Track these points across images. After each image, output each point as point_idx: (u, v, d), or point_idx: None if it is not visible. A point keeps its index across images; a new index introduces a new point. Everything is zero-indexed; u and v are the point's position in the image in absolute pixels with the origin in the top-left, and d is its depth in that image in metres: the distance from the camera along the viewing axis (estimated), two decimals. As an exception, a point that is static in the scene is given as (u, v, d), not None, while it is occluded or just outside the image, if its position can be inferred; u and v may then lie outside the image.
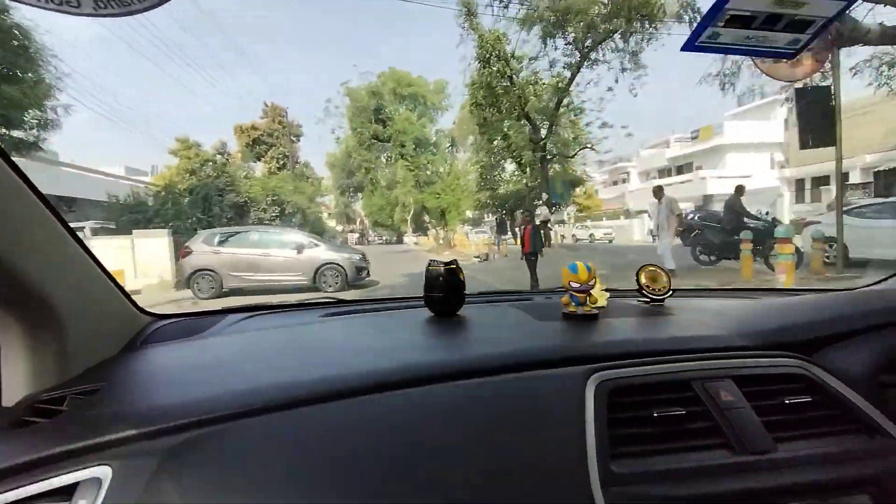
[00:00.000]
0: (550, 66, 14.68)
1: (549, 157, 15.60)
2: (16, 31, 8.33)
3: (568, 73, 14.57)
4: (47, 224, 0.64)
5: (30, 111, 9.05)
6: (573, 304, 0.79)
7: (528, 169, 16.44)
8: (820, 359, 0.62)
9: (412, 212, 26.72)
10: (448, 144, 25.22)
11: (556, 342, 0.68)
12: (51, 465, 0.46)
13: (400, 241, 40.26)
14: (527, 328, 0.79)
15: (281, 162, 25.14)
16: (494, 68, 14.36)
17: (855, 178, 16.30)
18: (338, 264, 8.17)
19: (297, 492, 0.44)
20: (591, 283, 0.78)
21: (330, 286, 8.02)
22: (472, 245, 17.76)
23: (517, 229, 20.68)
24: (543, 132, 15.45)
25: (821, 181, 17.95)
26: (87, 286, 0.73)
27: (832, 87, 6.29)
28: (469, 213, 28.88)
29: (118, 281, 0.83)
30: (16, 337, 0.61)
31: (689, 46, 0.70)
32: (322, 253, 8.43)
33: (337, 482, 0.45)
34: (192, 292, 7.66)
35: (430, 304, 0.91)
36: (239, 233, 8.64)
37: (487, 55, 13.99)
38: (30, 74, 8.82)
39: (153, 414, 0.52)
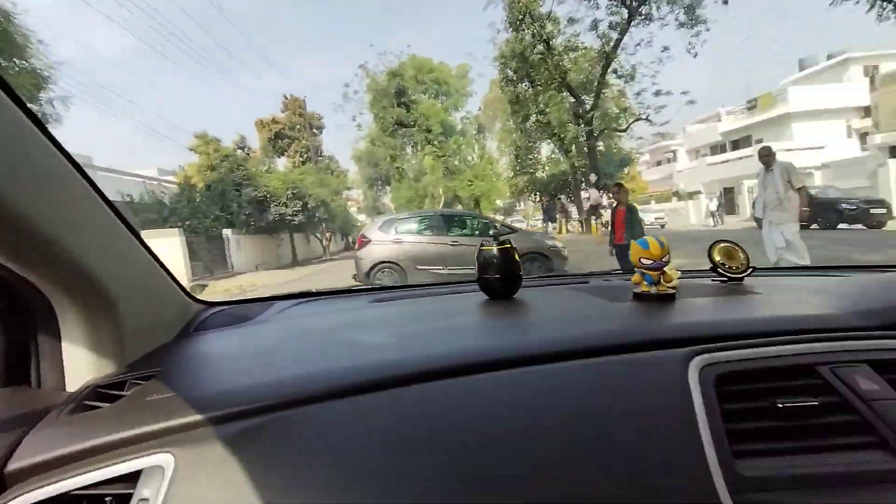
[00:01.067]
0: (593, 27, 12.79)
1: (595, 132, 13.72)
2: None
3: (614, 35, 12.65)
4: (105, 217, 0.65)
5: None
6: (646, 283, 0.72)
7: (572, 147, 14.59)
8: None
9: (443, 202, 25.35)
10: (475, 130, 23.51)
11: (639, 322, 0.61)
12: (113, 450, 0.45)
13: (430, 234, 39.21)
14: (600, 309, 0.72)
15: (305, 156, 24.28)
16: (527, 33, 12.62)
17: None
18: (539, 252, 6.83)
19: (363, 479, 0.42)
20: (665, 259, 0.71)
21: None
22: (509, 235, 16.17)
23: (557, 215, 19.30)
24: (588, 104, 13.58)
25: (921, 146, 15.13)
26: (142, 275, 0.74)
27: None
28: (499, 202, 27.24)
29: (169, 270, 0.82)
30: (77, 324, 0.62)
31: None
32: (517, 241, 7.14)
33: (406, 469, 0.42)
34: None
35: (485, 287, 0.86)
36: (421, 218, 7.31)
37: (520, 17, 12.24)
38: (15, 61, 7.95)
39: (214, 400, 0.50)
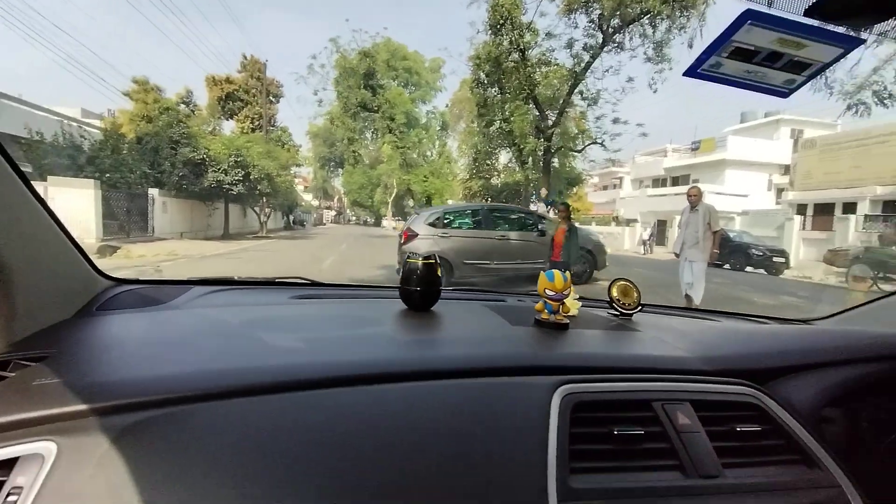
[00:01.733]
0: (569, 46, 13.06)
1: (553, 148, 14.04)
2: None
3: (587, 57, 13.00)
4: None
5: None
6: (546, 311, 0.79)
7: (529, 159, 14.84)
8: (772, 389, 0.64)
9: (394, 194, 24.90)
10: (439, 126, 23.29)
11: (527, 350, 0.68)
12: None
13: (378, 224, 38.51)
14: (500, 332, 0.78)
15: (256, 123, 22.73)
16: (506, 39, 12.65)
17: (863, 209, 15.44)
18: (585, 248, 6.68)
19: (252, 482, 0.42)
20: (566, 292, 0.78)
21: (574, 275, 6.35)
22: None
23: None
24: (550, 120, 13.86)
25: (825, 208, 17.12)
26: (38, 240, 0.67)
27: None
28: (451, 202, 27.33)
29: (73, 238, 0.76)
30: None
31: (690, 72, 0.71)
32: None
33: (295, 475, 0.44)
34: None
35: (405, 298, 0.89)
36: (468, 212, 7.25)
37: (501, 21, 12.23)
38: None
39: (106, 388, 0.49)
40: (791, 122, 25.07)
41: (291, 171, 21.33)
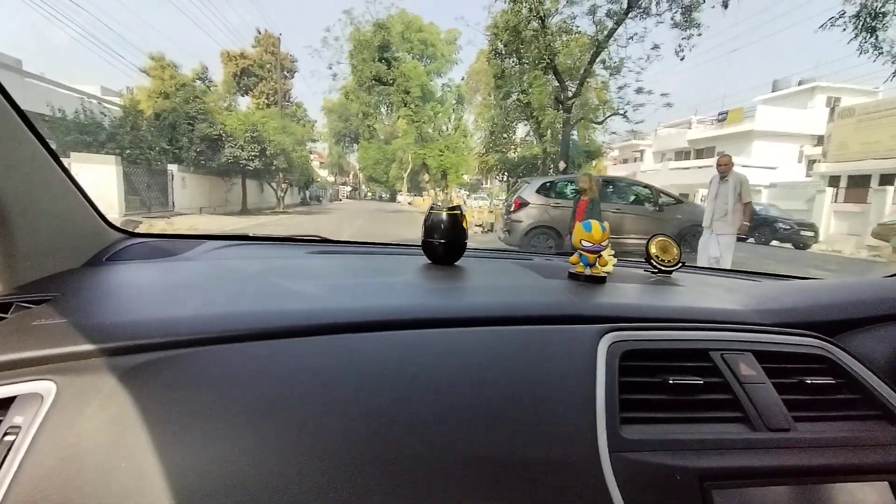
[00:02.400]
0: (591, 13, 12.44)
1: (573, 120, 13.59)
2: None
3: (610, 24, 12.38)
4: (7, 124, 0.58)
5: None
6: (582, 263, 0.76)
7: (547, 131, 14.45)
8: (843, 342, 0.59)
9: (409, 169, 24.71)
10: (454, 100, 22.78)
11: (566, 298, 0.65)
12: None
13: (393, 200, 38.52)
14: (534, 283, 0.76)
15: (271, 99, 22.61)
16: (525, 6, 12.11)
17: (902, 180, 14.63)
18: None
19: (266, 424, 0.40)
20: (604, 244, 0.74)
21: (693, 252, 6.26)
22: (472, 212, 15.98)
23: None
24: (570, 91, 13.38)
25: (860, 180, 16.29)
26: (45, 188, 0.66)
27: None
28: (466, 177, 26.94)
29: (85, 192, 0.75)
30: None
31: None
32: (684, 212, 6.64)
33: (320, 416, 0.42)
34: None
35: (428, 251, 0.86)
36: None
37: (520, -14, 11.69)
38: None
39: (110, 330, 0.47)
40: (827, 90, 23.70)
41: (307, 147, 21.32)
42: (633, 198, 6.98)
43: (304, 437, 0.40)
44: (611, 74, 13.32)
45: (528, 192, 6.54)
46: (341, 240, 1.18)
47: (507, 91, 14.82)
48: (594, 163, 19.18)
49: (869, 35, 7.32)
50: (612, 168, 33.02)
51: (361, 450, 0.40)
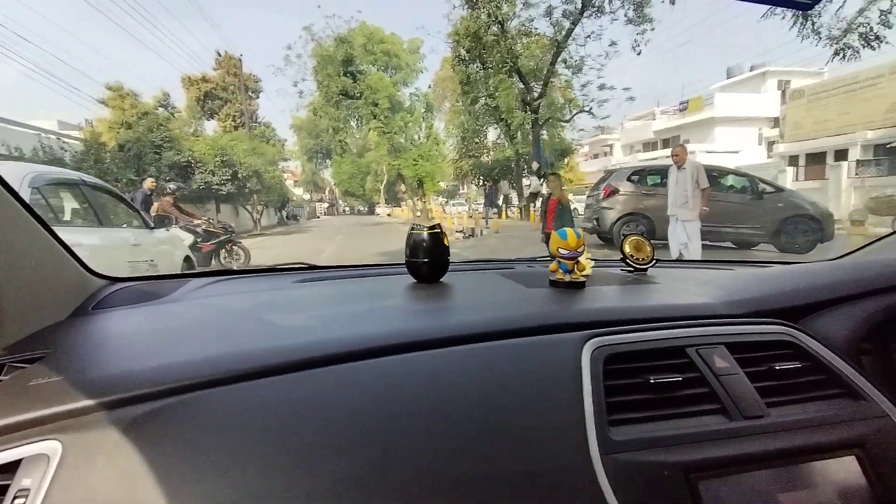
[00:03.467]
0: (548, 14, 12.79)
1: (541, 120, 13.89)
2: None
3: (567, 23, 12.75)
4: None
5: None
6: (561, 270, 0.79)
7: (517, 133, 14.70)
8: (805, 326, 0.64)
9: (385, 180, 24.69)
10: (423, 108, 22.94)
11: (548, 309, 0.67)
12: None
13: (371, 213, 38.33)
14: (517, 294, 0.78)
15: (238, 120, 22.32)
16: (483, 12, 12.37)
17: (854, 154, 15.42)
18: (809, 216, 5.95)
19: (273, 462, 0.41)
20: (580, 249, 0.77)
21: (797, 245, 5.78)
22: (452, 218, 16.06)
23: (500, 201, 19.58)
24: (536, 92, 13.68)
25: (817, 158, 17.08)
26: (25, 243, 0.66)
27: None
28: (442, 184, 27.07)
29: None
30: None
31: None
32: (784, 201, 6.26)
33: (319, 451, 0.42)
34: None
35: (412, 270, 0.88)
36: (670, 168, 6.74)
37: (477, -6, 11.94)
38: None
39: (108, 383, 0.47)
40: (777, 74, 24.81)
41: (279, 166, 21.08)
42: (729, 187, 6.75)
43: (308, 471, 0.41)
44: (573, 73, 13.73)
45: (619, 179, 6.45)
46: (327, 265, 1.18)
47: (475, 96, 15.05)
48: (566, 160, 19.59)
49: (805, 21, 7.78)
50: (583, 164, 33.69)
51: (363, 479, 0.41)
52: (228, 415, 0.44)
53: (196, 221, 5.78)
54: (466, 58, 14.07)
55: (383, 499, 0.40)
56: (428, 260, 0.86)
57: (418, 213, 19.24)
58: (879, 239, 0.89)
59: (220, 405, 0.45)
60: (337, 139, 21.26)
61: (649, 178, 6.57)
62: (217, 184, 13.99)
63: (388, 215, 29.36)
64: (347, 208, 52.08)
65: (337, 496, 0.40)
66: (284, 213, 25.41)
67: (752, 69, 26.35)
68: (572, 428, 0.47)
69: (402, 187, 20.91)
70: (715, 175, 7.09)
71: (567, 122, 15.00)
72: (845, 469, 0.49)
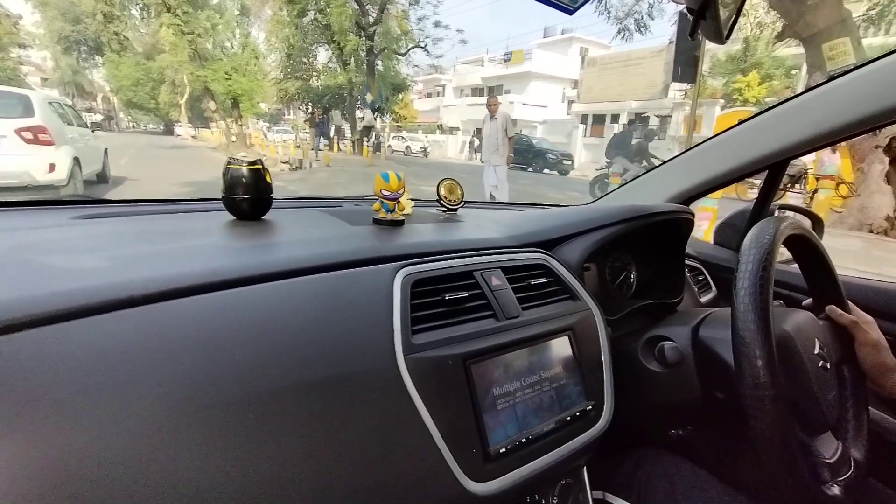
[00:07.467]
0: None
1: (376, 49, 13.10)
2: None
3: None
4: None
5: None
6: (383, 210, 0.86)
7: (351, 59, 13.62)
8: (555, 252, 0.87)
9: (188, 94, 20.36)
10: (237, 11, 19.06)
11: (368, 244, 0.75)
12: None
13: (170, 133, 31.43)
14: (340, 231, 0.84)
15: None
16: None
17: (623, 119, 19.36)
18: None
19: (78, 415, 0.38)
20: (401, 192, 0.86)
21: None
22: (276, 147, 14.32)
23: (331, 133, 18.24)
24: (372, 17, 12.70)
25: (600, 119, 20.88)
26: None
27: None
28: (264, 106, 23.72)
29: None
30: None
31: None
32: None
33: (125, 404, 0.40)
34: None
35: (231, 207, 0.84)
36: None
37: None
38: None
39: None
40: (580, 41, 28.67)
41: (13, 54, 15.02)
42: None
43: (120, 415, 0.39)
44: (410, 4, 13.12)
45: None
46: (119, 199, 1.01)
47: (303, 7, 13.17)
48: (401, 96, 19.23)
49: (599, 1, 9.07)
50: (417, 102, 33.83)
51: (184, 405, 0.41)
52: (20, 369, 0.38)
53: None
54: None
55: (208, 419, 0.42)
56: (249, 196, 0.82)
57: (233, 139, 16.54)
58: (618, 188, 1.36)
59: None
60: (111, 30, 16.18)
61: None
62: None
63: (193, 137, 24.54)
64: (133, 124, 41.60)
65: (157, 426, 0.40)
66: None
67: (563, 32, 29.76)
68: (383, 338, 0.57)
69: (212, 105, 17.41)
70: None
71: (403, 55, 14.56)
72: (562, 344, 0.73)
